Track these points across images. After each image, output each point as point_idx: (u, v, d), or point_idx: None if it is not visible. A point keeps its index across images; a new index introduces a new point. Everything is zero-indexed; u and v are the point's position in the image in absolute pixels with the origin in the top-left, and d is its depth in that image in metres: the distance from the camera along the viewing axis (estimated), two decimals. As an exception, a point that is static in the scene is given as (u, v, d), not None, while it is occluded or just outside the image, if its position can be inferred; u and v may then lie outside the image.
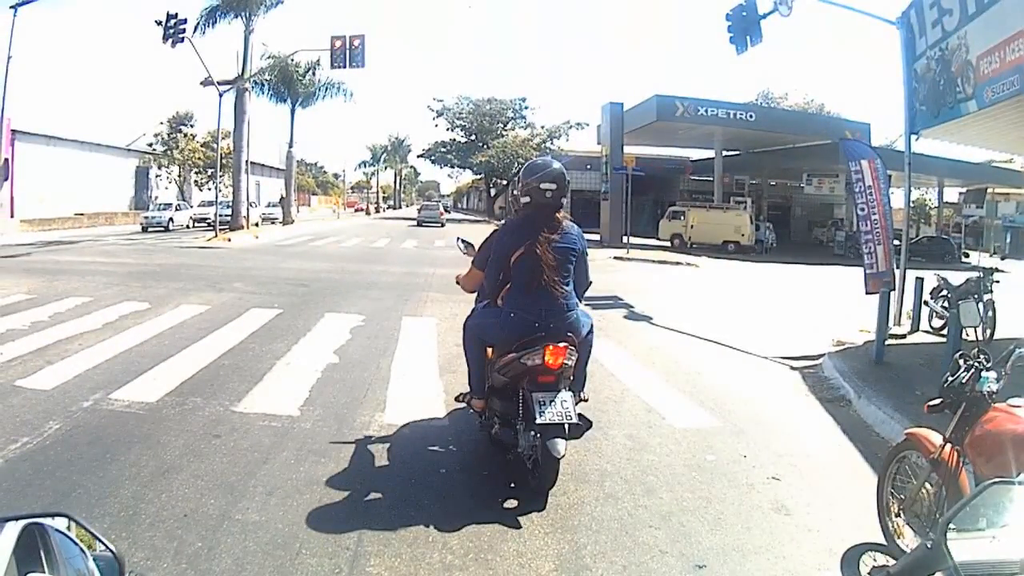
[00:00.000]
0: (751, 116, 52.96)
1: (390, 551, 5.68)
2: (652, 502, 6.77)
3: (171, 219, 57.08)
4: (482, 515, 6.35)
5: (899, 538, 5.74)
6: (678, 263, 37.48)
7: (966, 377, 5.28)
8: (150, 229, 54.67)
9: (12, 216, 49.66)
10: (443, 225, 76.49)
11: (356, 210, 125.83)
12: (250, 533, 5.88)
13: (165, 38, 40.60)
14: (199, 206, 67.36)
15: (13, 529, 2.16)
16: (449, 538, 5.90)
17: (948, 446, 5.28)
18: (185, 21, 41.76)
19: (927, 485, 5.44)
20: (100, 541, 2.36)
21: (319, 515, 6.26)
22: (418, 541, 5.85)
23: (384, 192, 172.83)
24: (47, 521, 2.30)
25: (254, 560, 5.52)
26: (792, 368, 13.18)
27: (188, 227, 59.59)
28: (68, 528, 2.39)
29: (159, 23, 40.74)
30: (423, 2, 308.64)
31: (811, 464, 8.09)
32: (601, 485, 7.12)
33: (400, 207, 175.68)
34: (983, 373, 5.21)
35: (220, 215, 49.50)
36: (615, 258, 38.71)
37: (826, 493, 7.22)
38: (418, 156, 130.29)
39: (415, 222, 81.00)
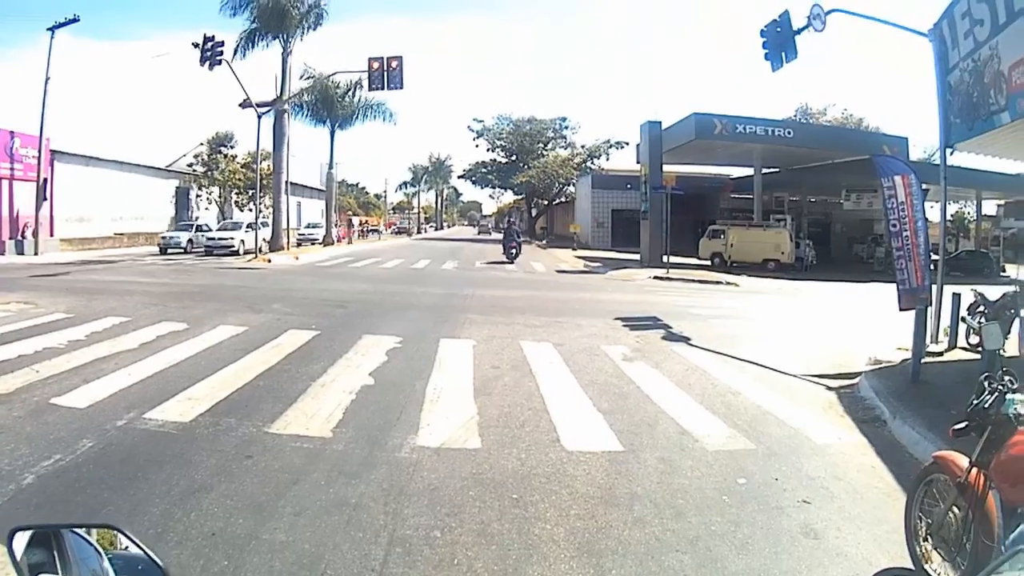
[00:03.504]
0: (789, 132, 52.38)
1: (415, 573, 5.70)
2: (680, 526, 6.73)
3: (190, 240, 55.50)
4: (508, 539, 6.34)
5: (927, 563, 5.68)
6: (718, 282, 37.25)
7: (990, 400, 5.22)
8: (169, 251, 53.38)
9: (52, 235, 50.19)
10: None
11: (397, 231, 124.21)
12: (277, 553, 5.92)
13: (203, 61, 40.97)
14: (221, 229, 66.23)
15: (22, 538, 2.32)
16: (475, 562, 5.89)
17: (975, 470, 5.20)
18: (223, 44, 42.19)
19: (954, 509, 5.37)
20: (145, 552, 2.39)
21: (346, 536, 6.25)
22: (443, 564, 5.86)
23: (426, 212, 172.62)
24: (81, 531, 2.41)
25: (280, 580, 5.53)
26: (828, 388, 13.06)
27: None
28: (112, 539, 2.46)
29: (196, 46, 41.05)
30: (462, 22, 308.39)
31: (843, 487, 8.02)
32: (630, 508, 7.08)
33: (442, 227, 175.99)
34: (1008, 396, 5.15)
35: (227, 237, 51.72)
36: (655, 278, 38.49)
37: (857, 516, 7.16)
38: (459, 176, 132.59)
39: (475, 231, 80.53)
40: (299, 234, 65.40)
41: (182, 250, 53.49)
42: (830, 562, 6.17)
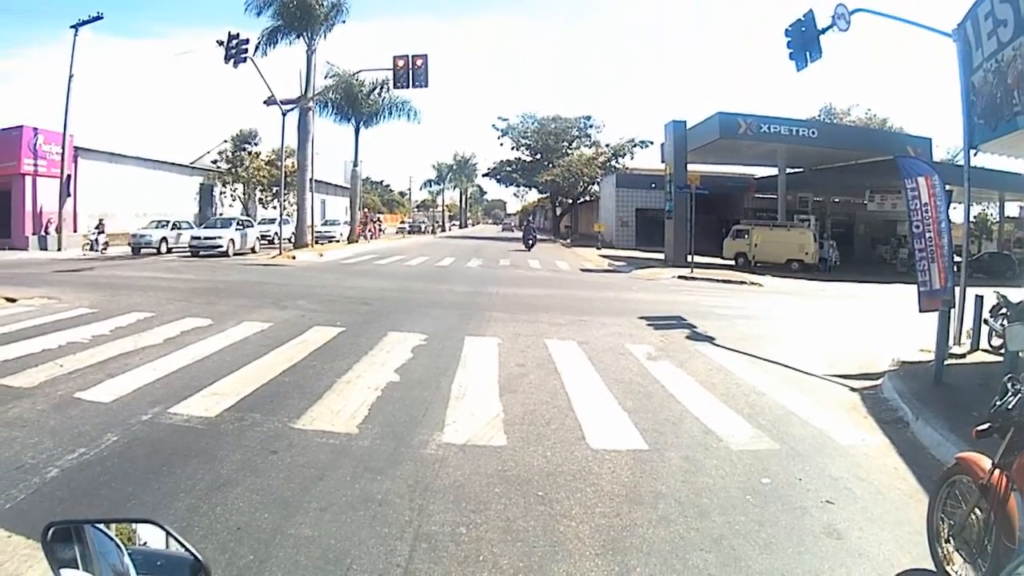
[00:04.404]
0: (813, 132, 51.90)
1: (440, 569, 5.71)
2: (704, 525, 6.73)
3: (163, 240, 50.10)
4: (534, 536, 6.36)
5: (948, 564, 5.65)
6: (742, 282, 37.19)
7: (1013, 402, 5.22)
8: (141, 251, 48.34)
9: (75, 231, 50.44)
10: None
11: (410, 231, 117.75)
12: (302, 548, 5.95)
13: (227, 58, 41.04)
14: (259, 223, 63.73)
15: (57, 533, 2.30)
16: (500, 558, 5.91)
17: (997, 471, 5.19)
18: (247, 42, 42.32)
19: (976, 511, 5.35)
20: (186, 548, 2.39)
21: (372, 532, 6.28)
22: (468, 560, 5.87)
23: (450, 211, 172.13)
24: (101, 526, 2.38)
25: (305, 575, 5.59)
26: (852, 389, 12.99)
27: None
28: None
29: (221, 43, 41.15)
30: (486, 21, 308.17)
31: (865, 488, 8.00)
32: (655, 507, 7.09)
33: (466, 225, 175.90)
34: None
35: (213, 236, 48.05)
36: (679, 277, 38.42)
37: (879, 517, 7.15)
38: (483, 175, 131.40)
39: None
40: (315, 232, 64.54)
41: (155, 251, 49.00)
42: (852, 563, 6.16)
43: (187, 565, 2.37)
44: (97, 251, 47.32)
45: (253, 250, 50.53)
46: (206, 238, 48.34)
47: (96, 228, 49.76)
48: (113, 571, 2.28)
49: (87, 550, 2.30)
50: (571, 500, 7.18)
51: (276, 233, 57.10)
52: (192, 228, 54.04)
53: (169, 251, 49.53)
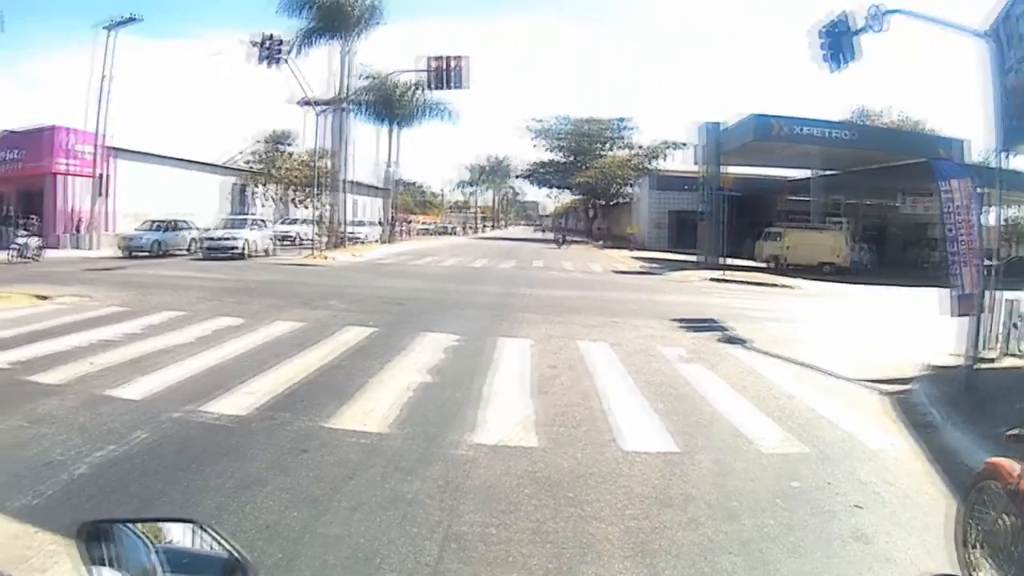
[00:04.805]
0: (847, 134, 51.39)
1: (469, 570, 5.72)
2: (733, 528, 6.72)
3: (157, 242, 46.28)
4: (563, 537, 6.35)
5: (975, 571, 5.58)
6: (774, 285, 37.02)
7: None
8: (133, 254, 44.09)
9: (111, 230, 50.51)
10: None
11: (438, 232, 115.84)
12: (331, 547, 5.96)
13: (262, 59, 41.45)
14: (281, 224, 64.79)
15: (90, 531, 2.32)
16: (529, 559, 5.90)
17: None
18: (282, 42, 42.68)
19: (1005, 516, 5.30)
20: (230, 547, 2.39)
21: (401, 532, 6.28)
22: (498, 561, 5.87)
23: (483, 212, 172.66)
24: (130, 525, 2.41)
25: (334, 573, 5.62)
26: (882, 393, 12.90)
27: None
28: (193, 532, 2.47)
29: (255, 44, 41.39)
30: (519, 23, 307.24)
31: (894, 492, 7.97)
32: (684, 509, 7.08)
33: (500, 227, 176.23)
34: None
35: (229, 237, 45.67)
36: (712, 280, 38.28)
37: (907, 522, 7.12)
38: (517, 176, 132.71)
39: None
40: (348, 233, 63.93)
41: (147, 254, 44.63)
42: (880, 567, 6.13)
43: (219, 564, 2.36)
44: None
45: (267, 252, 48.99)
46: (221, 239, 45.92)
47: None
48: (142, 569, 2.28)
49: (117, 548, 2.32)
50: (601, 502, 7.17)
51: (297, 234, 57.05)
52: (190, 229, 51.19)
53: (165, 255, 45.90)
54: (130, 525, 2.42)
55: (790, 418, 10.78)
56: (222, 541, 2.40)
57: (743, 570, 5.94)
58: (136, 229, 48.93)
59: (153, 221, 49.60)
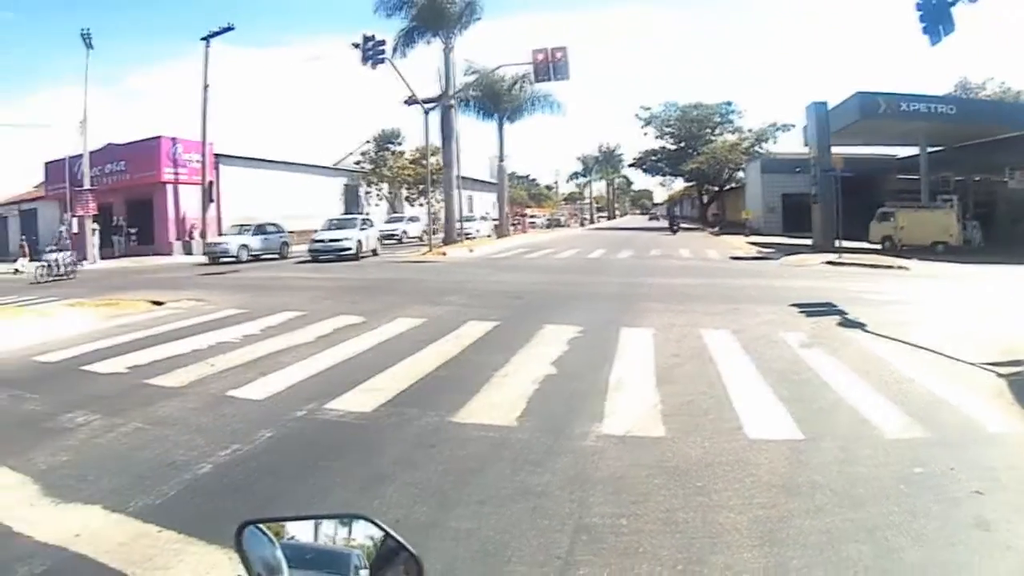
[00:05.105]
0: (951, 109, 51.23)
1: (600, 561, 5.68)
2: (859, 515, 6.63)
3: (244, 247, 45.33)
4: (693, 527, 6.32)
5: None
6: (889, 267, 36.26)
7: None
8: (220, 260, 43.30)
9: (220, 235, 51.28)
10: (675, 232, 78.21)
11: (548, 225, 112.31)
12: (461, 540, 5.98)
13: (364, 60, 41.92)
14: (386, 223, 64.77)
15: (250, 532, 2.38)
16: (660, 550, 5.87)
17: None
18: (383, 43, 43.27)
19: None
20: (399, 542, 2.43)
21: (531, 524, 6.29)
22: (628, 551, 5.84)
23: (597, 203, 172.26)
24: (255, 527, 2.43)
25: (463, 567, 5.64)
26: (999, 375, 12.46)
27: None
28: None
29: (356, 46, 42.09)
30: (620, 13, 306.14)
31: (1013, 477, 7.78)
32: (811, 497, 7.01)
33: (614, 217, 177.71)
34: None
35: (339, 238, 43.33)
36: (827, 263, 37.88)
37: (1026, 508, 7.01)
38: (629, 165, 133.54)
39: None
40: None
41: (233, 259, 43.85)
42: (1000, 555, 6.00)
43: (345, 560, 2.41)
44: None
45: (374, 252, 47.39)
46: (331, 240, 43.58)
47: None
48: (264, 565, 2.34)
49: (242, 545, 2.37)
50: (729, 491, 7.13)
51: (404, 232, 57.42)
52: (280, 232, 50.25)
53: (257, 258, 45.85)
54: (261, 525, 2.45)
55: (911, 402, 10.56)
56: (396, 537, 2.43)
57: (869, 558, 5.84)
58: (222, 235, 49.28)
59: (240, 226, 49.03)
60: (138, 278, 33.15)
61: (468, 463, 7.84)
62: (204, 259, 45.30)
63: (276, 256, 47.95)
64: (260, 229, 48.41)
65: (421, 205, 68.65)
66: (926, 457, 8.23)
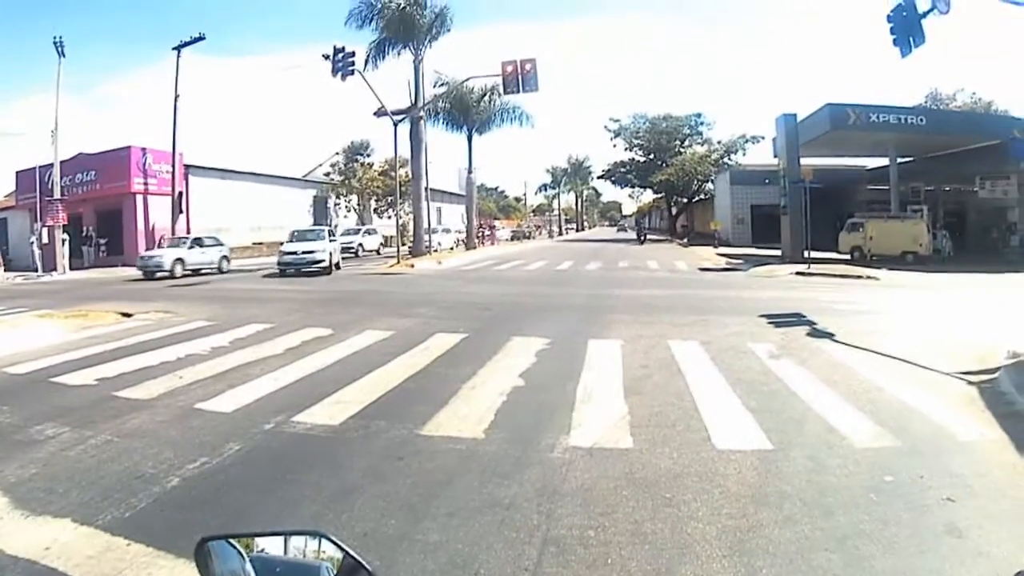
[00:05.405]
0: (921, 120, 51.37)
1: (568, 573, 5.70)
2: (829, 525, 6.66)
3: (179, 260, 42.29)
4: (662, 538, 6.32)
5: None
6: (858, 276, 36.68)
7: None
8: (156, 276, 40.78)
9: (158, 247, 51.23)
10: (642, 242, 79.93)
11: (513, 237, 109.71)
12: (429, 553, 5.97)
13: (335, 72, 42.08)
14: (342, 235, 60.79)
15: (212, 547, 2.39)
16: (628, 561, 5.88)
17: None
18: (353, 55, 43.39)
19: None
20: (353, 558, 2.43)
21: (500, 536, 6.28)
22: (597, 563, 5.85)
23: (566, 214, 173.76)
24: (226, 541, 2.44)
25: (431, 580, 5.60)
26: (969, 383, 12.64)
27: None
28: (319, 544, 2.47)
29: (326, 57, 42.09)
30: (590, 25, 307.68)
31: (984, 484, 7.83)
32: (780, 507, 7.03)
33: (583, 228, 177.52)
34: None
35: (311, 251, 41.19)
36: (796, 274, 38.17)
37: (998, 515, 7.00)
38: (598, 177, 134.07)
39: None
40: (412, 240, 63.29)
41: (167, 274, 41.46)
42: (972, 561, 6.03)
43: (314, 574, 2.41)
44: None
45: (338, 265, 45.37)
46: (304, 253, 41.66)
47: None
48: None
49: (210, 560, 2.39)
50: (698, 502, 7.14)
51: (360, 244, 57.39)
52: (219, 245, 47.83)
53: (196, 272, 43.79)
54: (228, 540, 2.46)
55: (880, 411, 10.62)
56: (350, 553, 2.44)
57: (839, 567, 5.87)
58: (150, 251, 47.15)
59: (178, 238, 48.26)
60: (107, 289, 33.05)
61: (436, 476, 7.85)
62: (139, 274, 42.29)
63: (215, 271, 45.55)
64: (197, 242, 46.39)
65: (390, 217, 68.70)
66: (896, 466, 8.28)
